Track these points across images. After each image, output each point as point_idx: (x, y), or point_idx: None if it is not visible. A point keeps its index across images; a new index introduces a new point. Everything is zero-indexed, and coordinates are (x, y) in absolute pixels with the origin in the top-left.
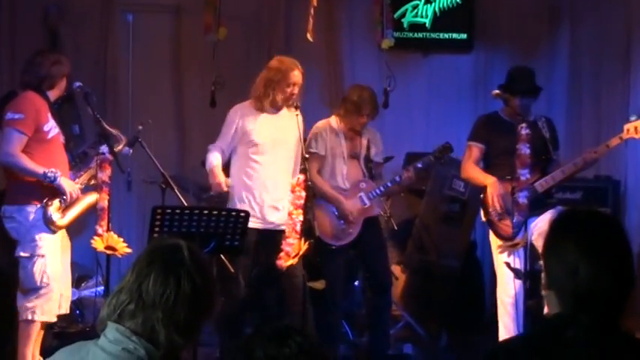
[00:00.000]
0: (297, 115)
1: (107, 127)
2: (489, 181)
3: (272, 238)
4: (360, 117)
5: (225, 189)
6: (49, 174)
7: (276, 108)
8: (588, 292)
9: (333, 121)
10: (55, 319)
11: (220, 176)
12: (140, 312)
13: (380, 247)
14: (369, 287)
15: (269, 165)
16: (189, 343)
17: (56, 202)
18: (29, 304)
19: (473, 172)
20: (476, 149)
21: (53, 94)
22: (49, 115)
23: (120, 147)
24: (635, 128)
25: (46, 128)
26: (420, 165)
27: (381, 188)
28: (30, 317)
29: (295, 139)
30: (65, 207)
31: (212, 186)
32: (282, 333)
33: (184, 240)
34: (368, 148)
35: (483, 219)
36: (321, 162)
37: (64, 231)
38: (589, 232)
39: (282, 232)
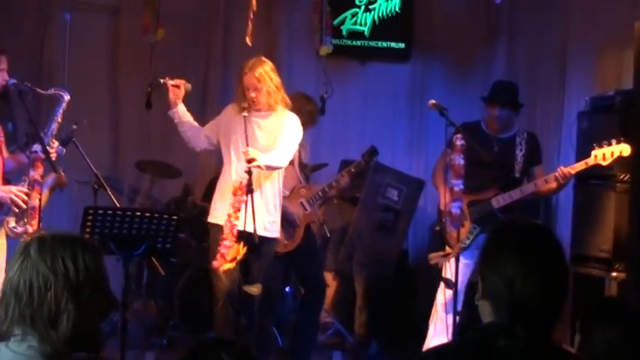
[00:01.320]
0: (285, 117)
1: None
2: (441, 190)
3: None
4: (313, 126)
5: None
6: None
7: (257, 110)
8: (522, 303)
9: None
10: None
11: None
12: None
13: (314, 249)
14: (305, 289)
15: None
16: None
17: (10, 218)
18: None
19: (438, 181)
20: (448, 156)
21: None
22: None
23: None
24: (604, 155)
25: None
26: (353, 170)
27: (320, 193)
28: None
29: (273, 140)
30: (22, 213)
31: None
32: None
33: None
34: (299, 152)
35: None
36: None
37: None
38: (526, 245)
39: (274, 239)
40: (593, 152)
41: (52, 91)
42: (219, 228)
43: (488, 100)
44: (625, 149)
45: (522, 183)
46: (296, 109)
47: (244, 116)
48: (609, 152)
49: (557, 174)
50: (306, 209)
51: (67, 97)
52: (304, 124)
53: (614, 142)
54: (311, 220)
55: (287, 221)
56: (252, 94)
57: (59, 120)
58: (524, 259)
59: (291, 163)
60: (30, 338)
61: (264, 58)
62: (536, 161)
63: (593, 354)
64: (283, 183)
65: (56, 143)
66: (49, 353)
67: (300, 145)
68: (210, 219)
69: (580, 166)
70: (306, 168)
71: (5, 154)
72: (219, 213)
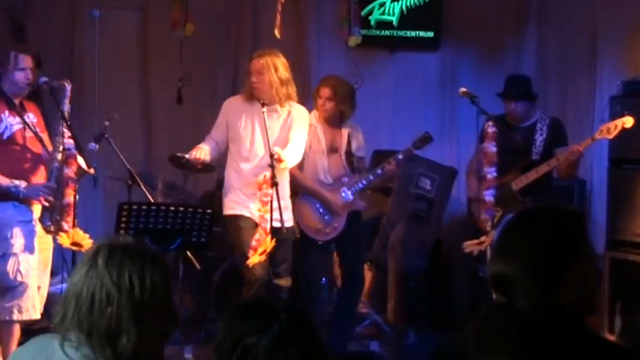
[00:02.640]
0: (289, 110)
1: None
2: (470, 193)
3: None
4: (318, 98)
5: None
6: (12, 188)
7: (260, 100)
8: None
9: (312, 117)
10: (37, 316)
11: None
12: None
13: (360, 244)
14: (343, 280)
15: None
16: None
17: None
18: (7, 304)
19: (469, 172)
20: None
21: (8, 89)
22: (4, 114)
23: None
24: (608, 129)
25: None
26: (400, 157)
27: (364, 182)
28: (9, 317)
29: (283, 135)
30: (53, 208)
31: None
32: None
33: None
34: (349, 142)
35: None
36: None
37: (41, 230)
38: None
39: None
40: (599, 127)
41: (44, 79)
42: (236, 218)
43: (503, 95)
44: (628, 121)
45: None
46: (343, 97)
47: (263, 112)
48: (613, 125)
49: (567, 151)
50: (348, 198)
51: (69, 86)
52: (350, 113)
53: (622, 114)
54: (352, 208)
55: (327, 210)
56: (254, 79)
57: (67, 109)
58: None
59: (337, 151)
60: (84, 348)
61: (278, 52)
62: (560, 144)
63: (635, 338)
64: (328, 171)
65: (67, 132)
66: None
67: (352, 135)
68: (229, 211)
69: (587, 142)
70: (352, 157)
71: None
72: (233, 204)
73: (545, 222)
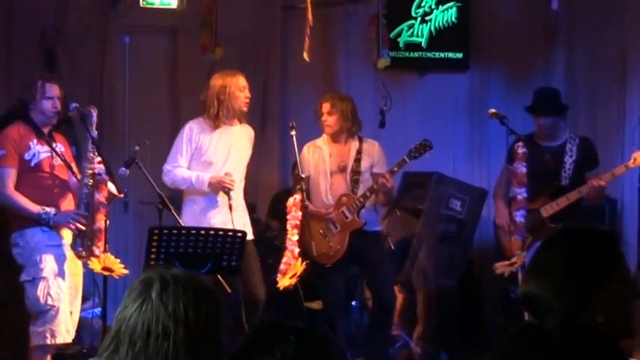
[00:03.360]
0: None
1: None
2: (497, 219)
3: None
4: (321, 115)
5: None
6: (42, 215)
7: (232, 121)
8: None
9: (320, 139)
10: (69, 340)
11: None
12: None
13: (381, 263)
14: (373, 305)
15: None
16: None
17: (73, 240)
18: (40, 329)
19: (497, 196)
20: (506, 172)
21: (37, 118)
22: (33, 142)
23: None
24: None
25: (27, 157)
26: (396, 169)
27: (361, 199)
28: (41, 342)
29: (247, 153)
30: (84, 234)
31: (220, 183)
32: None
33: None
34: (357, 161)
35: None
36: (308, 183)
37: (72, 254)
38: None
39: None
40: (634, 155)
41: (74, 105)
42: None
43: (532, 110)
44: None
45: (572, 189)
46: (343, 111)
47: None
48: None
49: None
50: (347, 217)
51: (95, 112)
52: (355, 128)
53: None
54: (354, 227)
55: (328, 232)
56: (249, 94)
57: (94, 133)
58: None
59: (343, 171)
60: None
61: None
62: (591, 166)
63: None
64: (331, 192)
65: (98, 158)
66: None
67: (365, 152)
68: None
69: (621, 169)
70: (357, 175)
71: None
72: None
73: (573, 242)
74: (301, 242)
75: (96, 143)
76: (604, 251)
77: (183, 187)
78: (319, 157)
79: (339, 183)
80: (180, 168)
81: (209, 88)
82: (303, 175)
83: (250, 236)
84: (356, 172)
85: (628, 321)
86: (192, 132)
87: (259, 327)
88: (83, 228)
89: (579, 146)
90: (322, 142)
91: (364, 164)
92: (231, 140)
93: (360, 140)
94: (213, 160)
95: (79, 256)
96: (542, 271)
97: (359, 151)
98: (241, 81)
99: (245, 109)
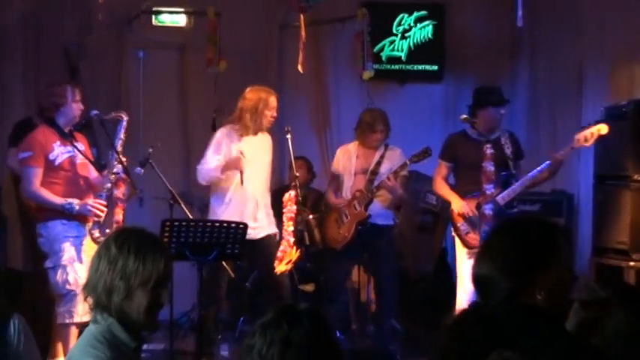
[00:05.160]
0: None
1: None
2: (453, 201)
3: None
4: (374, 133)
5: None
6: (66, 206)
7: (256, 132)
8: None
9: (352, 144)
10: (88, 319)
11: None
12: None
13: (384, 254)
14: (375, 294)
15: (249, 181)
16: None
17: (94, 231)
18: (61, 309)
19: (441, 188)
20: (444, 166)
21: (62, 122)
22: (56, 143)
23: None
24: (585, 137)
25: (51, 157)
26: (399, 170)
27: (369, 194)
28: (62, 321)
29: (269, 158)
30: (103, 222)
31: (233, 163)
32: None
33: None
34: (379, 164)
35: (453, 233)
36: (338, 179)
37: (89, 244)
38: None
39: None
40: (576, 136)
41: (112, 114)
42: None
43: (500, 102)
44: (603, 128)
45: (516, 177)
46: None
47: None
48: (589, 133)
49: (551, 161)
50: (356, 209)
51: (126, 118)
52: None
53: (595, 123)
54: (360, 217)
55: (341, 221)
56: (276, 114)
57: (122, 137)
58: None
59: (365, 172)
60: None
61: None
62: (521, 156)
63: (605, 334)
64: (351, 189)
65: (124, 158)
66: None
67: (386, 157)
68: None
69: (567, 150)
70: (373, 175)
71: (95, 173)
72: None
73: (519, 229)
74: (320, 228)
75: (115, 146)
76: (546, 238)
77: (213, 174)
78: (348, 159)
79: (360, 182)
80: (207, 164)
81: (243, 100)
82: (332, 170)
83: (274, 230)
84: (374, 172)
85: (565, 299)
86: (222, 137)
87: (276, 309)
88: (102, 213)
89: (510, 139)
90: (353, 145)
91: (384, 167)
92: (254, 148)
93: (386, 147)
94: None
95: (96, 241)
96: (491, 254)
97: (382, 156)
98: (272, 101)
99: (269, 126)
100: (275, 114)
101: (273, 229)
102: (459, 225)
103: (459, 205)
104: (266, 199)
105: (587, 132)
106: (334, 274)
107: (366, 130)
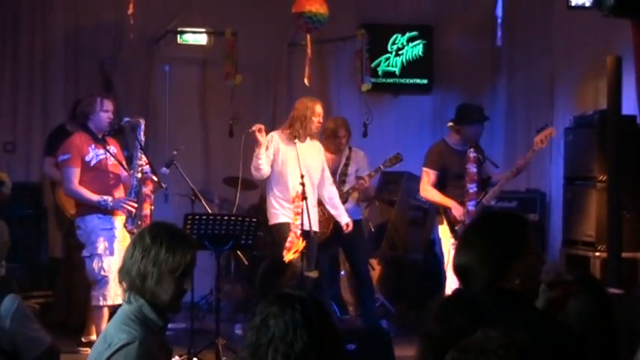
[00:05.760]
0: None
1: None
2: (453, 206)
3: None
4: (337, 138)
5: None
6: (101, 202)
7: (306, 138)
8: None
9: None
10: (119, 302)
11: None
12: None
13: (359, 246)
14: (355, 282)
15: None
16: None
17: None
18: (95, 293)
19: (433, 195)
20: (432, 175)
21: (93, 128)
22: (91, 147)
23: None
24: (541, 140)
25: (87, 159)
26: (374, 173)
27: (344, 195)
28: (96, 303)
29: (321, 162)
30: (135, 215)
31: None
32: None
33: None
34: (346, 165)
35: (440, 228)
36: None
37: (124, 232)
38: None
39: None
40: (534, 140)
41: (128, 119)
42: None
43: (482, 119)
44: (553, 131)
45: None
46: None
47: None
48: (544, 136)
49: (518, 165)
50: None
51: (143, 122)
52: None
53: (546, 127)
54: (336, 217)
55: (323, 215)
56: (321, 120)
57: (142, 139)
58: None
59: (334, 174)
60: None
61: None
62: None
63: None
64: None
65: (144, 158)
66: None
67: (351, 159)
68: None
69: (530, 153)
70: (344, 176)
71: (125, 173)
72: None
73: (494, 222)
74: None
75: (143, 147)
76: (518, 229)
77: (259, 164)
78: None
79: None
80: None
81: (295, 110)
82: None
83: (315, 228)
84: (344, 173)
85: (537, 282)
86: (273, 139)
87: (277, 294)
88: (133, 209)
89: (477, 149)
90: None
91: (351, 168)
92: (304, 153)
93: (350, 149)
94: (282, 169)
95: (132, 233)
96: (471, 245)
97: (348, 158)
98: (318, 108)
99: (316, 131)
100: (321, 120)
101: (315, 227)
102: (456, 228)
103: (460, 210)
104: (313, 200)
105: (542, 135)
106: (322, 265)
107: (330, 136)
